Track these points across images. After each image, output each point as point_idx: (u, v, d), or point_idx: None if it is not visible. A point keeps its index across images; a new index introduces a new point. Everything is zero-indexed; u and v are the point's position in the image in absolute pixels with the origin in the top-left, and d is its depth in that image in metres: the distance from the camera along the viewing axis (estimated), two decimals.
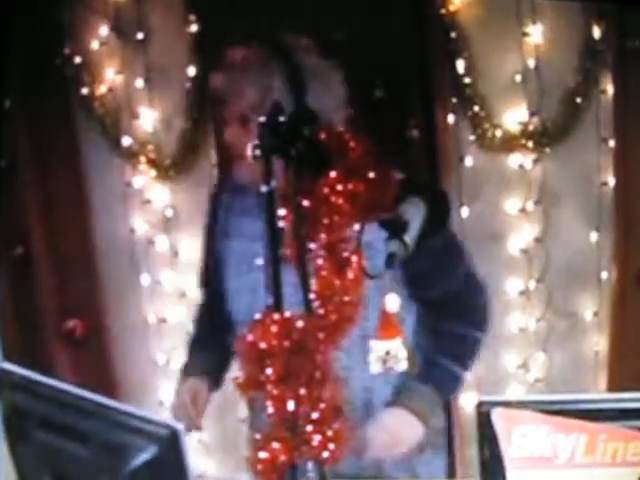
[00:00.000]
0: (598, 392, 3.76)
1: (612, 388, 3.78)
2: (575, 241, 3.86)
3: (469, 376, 2.69)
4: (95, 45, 4.08)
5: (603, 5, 3.68)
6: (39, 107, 4.05)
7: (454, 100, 3.87)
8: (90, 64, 4.09)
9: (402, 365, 2.15)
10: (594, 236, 3.84)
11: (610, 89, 3.80)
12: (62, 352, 4.19)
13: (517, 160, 3.85)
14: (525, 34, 3.78)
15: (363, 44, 3.82)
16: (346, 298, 2.27)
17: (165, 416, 4.03)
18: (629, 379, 3.71)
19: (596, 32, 3.74)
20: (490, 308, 2.61)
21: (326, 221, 2.31)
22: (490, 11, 3.80)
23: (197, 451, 4.05)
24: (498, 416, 1.62)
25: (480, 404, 1.66)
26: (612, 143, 3.80)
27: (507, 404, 1.64)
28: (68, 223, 4.16)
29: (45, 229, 4.16)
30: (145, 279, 4.21)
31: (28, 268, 4.17)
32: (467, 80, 3.82)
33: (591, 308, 3.91)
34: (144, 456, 1.60)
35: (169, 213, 4.16)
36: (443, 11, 3.81)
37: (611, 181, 3.80)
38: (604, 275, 3.87)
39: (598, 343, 3.91)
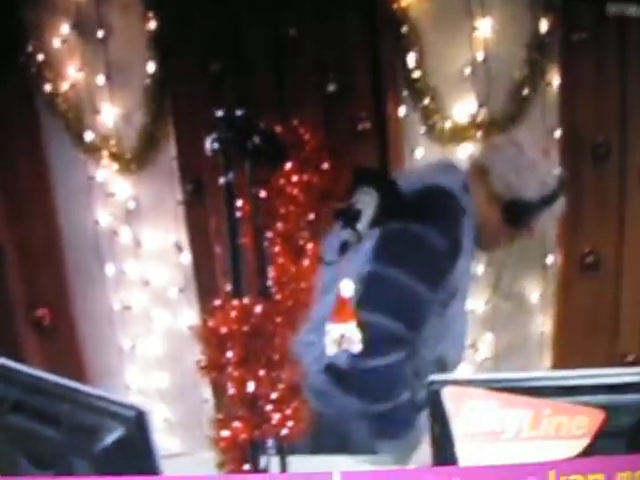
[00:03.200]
0: (543, 370, 3.81)
1: (557, 366, 3.86)
2: None
3: None
4: (57, 43, 4.15)
5: None
6: (3, 104, 4.11)
7: (405, 93, 3.94)
8: (52, 62, 4.16)
9: (357, 347, 2.19)
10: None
11: (556, 81, 3.87)
12: (31, 340, 4.24)
13: (467, 150, 3.90)
14: (474, 28, 3.84)
15: (315, 39, 3.89)
16: (302, 284, 2.30)
17: (132, 398, 4.14)
18: (573, 357, 3.81)
19: (543, 26, 3.81)
20: None
21: (282, 211, 2.32)
22: (440, 6, 3.87)
23: (162, 430, 4.11)
24: (448, 394, 1.64)
25: (431, 383, 1.67)
26: (558, 133, 3.87)
27: (457, 382, 1.66)
28: (34, 216, 4.22)
29: (12, 222, 4.22)
30: (110, 269, 4.27)
31: None
32: (417, 73, 3.89)
33: (537, 291, 3.99)
34: (113, 436, 1.63)
35: (131, 205, 4.22)
36: (394, 6, 3.87)
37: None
38: (549, 259, 3.95)
39: (543, 324, 3.99)
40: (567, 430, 1.62)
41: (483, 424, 1.64)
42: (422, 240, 2.54)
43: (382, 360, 2.51)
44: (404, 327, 2.52)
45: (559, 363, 3.87)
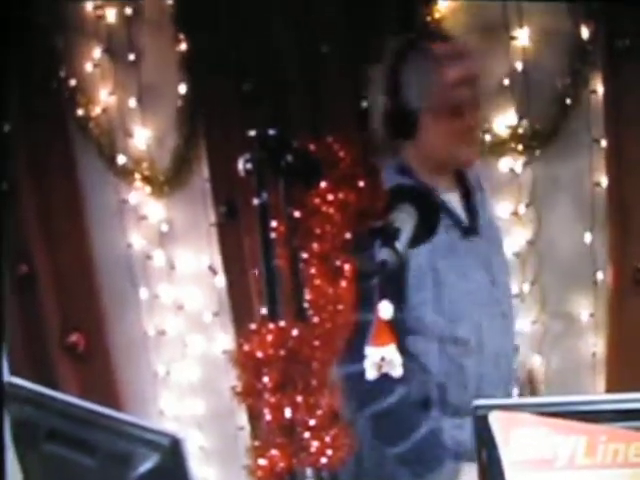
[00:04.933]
0: (596, 393, 3.69)
1: (611, 389, 3.73)
2: (569, 242, 3.82)
3: None
4: (89, 67, 4.18)
5: (591, 5, 3.64)
6: (37, 130, 4.13)
7: None
8: (84, 86, 4.19)
9: (397, 371, 2.14)
10: (588, 237, 3.79)
11: (600, 89, 3.74)
12: (66, 366, 4.25)
13: (507, 164, 3.82)
14: (512, 38, 3.74)
15: (349, 54, 3.82)
16: (339, 306, 2.26)
17: (166, 425, 4.11)
18: (628, 379, 3.67)
19: (584, 32, 3.70)
20: None
21: (318, 231, 2.29)
22: (476, 16, 3.77)
23: (198, 458, 4.09)
24: (496, 419, 1.58)
25: (477, 407, 1.62)
26: (604, 143, 3.74)
27: (504, 407, 1.61)
28: (68, 241, 4.24)
29: (46, 248, 4.24)
30: (143, 293, 4.27)
31: (32, 286, 4.24)
32: None
33: (587, 309, 3.86)
34: (147, 465, 1.61)
35: (164, 228, 4.22)
36: (429, 18, 3.78)
37: (604, 181, 3.75)
38: (600, 276, 3.82)
39: (595, 344, 3.85)
40: (624, 458, 1.55)
41: (534, 451, 1.58)
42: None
43: (379, 404, 2.48)
44: None
45: (613, 386, 3.73)
